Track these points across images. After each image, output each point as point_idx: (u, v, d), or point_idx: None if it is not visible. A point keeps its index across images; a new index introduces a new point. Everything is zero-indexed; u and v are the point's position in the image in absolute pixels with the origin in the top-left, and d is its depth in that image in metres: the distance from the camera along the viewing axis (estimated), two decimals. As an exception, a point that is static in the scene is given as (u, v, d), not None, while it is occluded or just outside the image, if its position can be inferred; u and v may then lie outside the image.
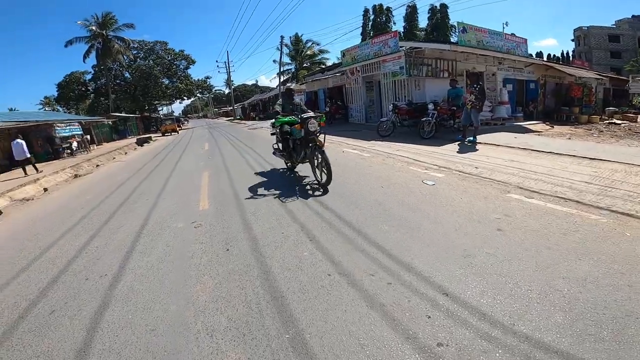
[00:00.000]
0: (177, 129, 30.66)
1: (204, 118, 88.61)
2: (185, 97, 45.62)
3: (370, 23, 46.15)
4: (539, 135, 9.39)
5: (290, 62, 42.37)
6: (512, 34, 14.57)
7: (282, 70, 39.16)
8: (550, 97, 16.40)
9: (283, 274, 2.73)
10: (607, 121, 13.61)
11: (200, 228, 4.02)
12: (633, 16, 44.94)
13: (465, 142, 7.93)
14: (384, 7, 45.35)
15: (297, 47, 41.59)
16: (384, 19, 45.50)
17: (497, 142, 7.61)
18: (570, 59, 45.53)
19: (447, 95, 9.70)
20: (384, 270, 2.66)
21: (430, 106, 9.12)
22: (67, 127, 18.59)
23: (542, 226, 3.21)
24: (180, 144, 17.61)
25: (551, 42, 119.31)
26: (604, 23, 46.17)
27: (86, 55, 33.60)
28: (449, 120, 9.23)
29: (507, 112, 12.77)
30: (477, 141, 7.81)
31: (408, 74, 12.25)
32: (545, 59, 41.17)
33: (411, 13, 45.61)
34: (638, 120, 13.92)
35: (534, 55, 33.79)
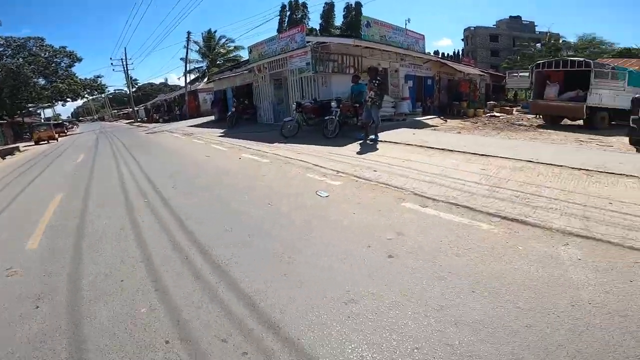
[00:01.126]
0: (56, 136, 25.51)
1: (100, 121, 77.17)
2: (69, 99, 38.62)
3: (286, 19, 45.25)
4: (434, 129, 9.78)
5: (201, 59, 39.03)
6: (414, 32, 15.22)
7: (191, 68, 35.99)
8: (444, 93, 17.78)
9: (102, 342, 1.92)
10: (489, 114, 15.24)
11: (13, 276, 2.90)
12: (510, 17, 51.53)
13: (367, 141, 7.69)
14: (300, 3, 44.87)
15: (209, 44, 38.37)
16: (299, 15, 45.04)
17: (397, 140, 7.53)
18: (460, 57, 51.17)
19: (350, 92, 9.43)
20: (241, 332, 1.92)
21: (334, 104, 8.70)
22: None
23: (435, 245, 2.78)
24: (51, 155, 14.40)
25: (447, 42, 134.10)
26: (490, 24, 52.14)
27: None
28: (352, 118, 8.95)
29: (409, 108, 13.27)
30: (379, 139, 7.63)
31: (314, 70, 11.75)
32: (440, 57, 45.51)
33: (328, 10, 45.96)
34: (513, 112, 15.95)
35: (432, 54, 37.04)
